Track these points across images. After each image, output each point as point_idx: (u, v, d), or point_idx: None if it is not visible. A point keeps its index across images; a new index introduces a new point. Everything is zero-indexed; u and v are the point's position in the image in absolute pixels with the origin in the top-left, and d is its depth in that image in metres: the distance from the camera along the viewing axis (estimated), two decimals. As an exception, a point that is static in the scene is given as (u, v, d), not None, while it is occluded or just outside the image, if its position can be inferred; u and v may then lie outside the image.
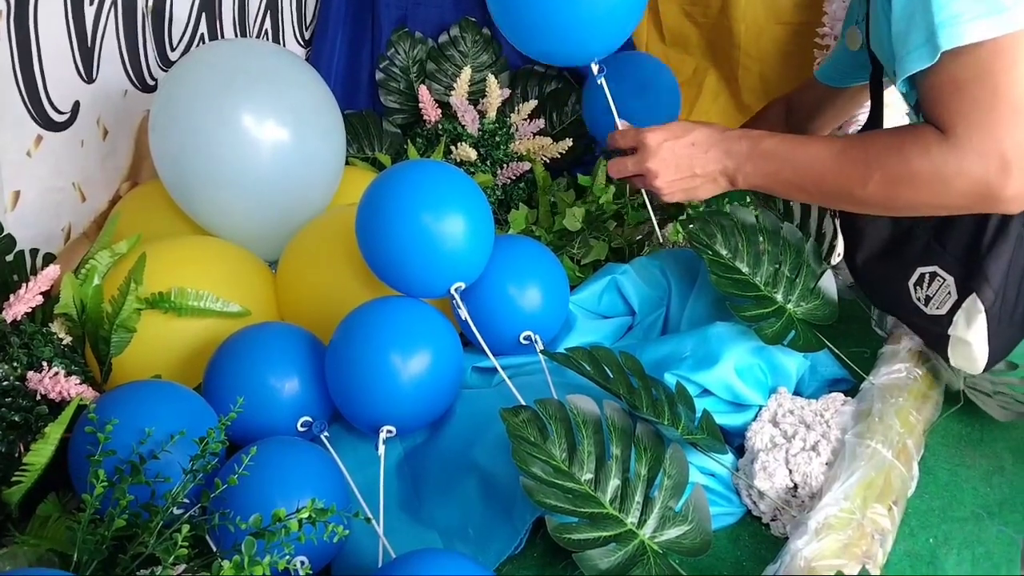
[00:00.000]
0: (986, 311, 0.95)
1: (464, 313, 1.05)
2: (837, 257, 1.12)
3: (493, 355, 1.05)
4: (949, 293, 0.98)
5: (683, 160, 1.03)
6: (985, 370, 1.00)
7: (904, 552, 0.90)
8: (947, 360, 1.02)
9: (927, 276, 1.00)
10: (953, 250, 0.98)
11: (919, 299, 1.02)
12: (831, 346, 1.10)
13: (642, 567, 0.81)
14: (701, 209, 1.29)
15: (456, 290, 1.04)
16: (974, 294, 0.96)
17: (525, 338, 1.11)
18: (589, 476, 0.86)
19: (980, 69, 0.80)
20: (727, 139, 1.01)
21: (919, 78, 0.86)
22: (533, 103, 1.64)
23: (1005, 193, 0.81)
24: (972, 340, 0.97)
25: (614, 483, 0.86)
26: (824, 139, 0.97)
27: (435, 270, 1.03)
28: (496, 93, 1.56)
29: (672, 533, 0.85)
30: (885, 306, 1.14)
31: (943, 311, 0.99)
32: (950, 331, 0.99)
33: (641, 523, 0.85)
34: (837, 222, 1.18)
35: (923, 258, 1.01)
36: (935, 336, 1.02)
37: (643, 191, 1.23)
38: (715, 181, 1.03)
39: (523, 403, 0.93)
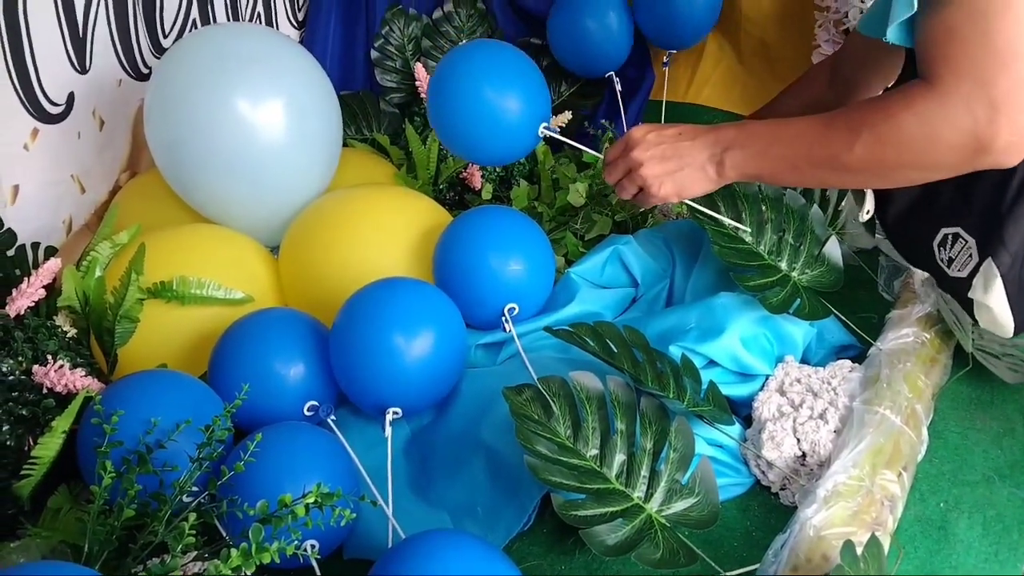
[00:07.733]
0: (1002, 276, 0.92)
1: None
2: (867, 215, 1.08)
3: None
4: (971, 256, 0.95)
5: (669, 149, 0.98)
6: (1016, 334, 0.96)
7: (914, 517, 0.90)
8: (976, 322, 0.99)
9: (950, 237, 0.97)
10: (976, 210, 0.93)
11: (942, 260, 0.98)
12: (837, 313, 1.09)
13: (650, 541, 0.81)
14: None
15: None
16: (990, 258, 0.92)
17: (509, 310, 1.12)
18: (594, 452, 0.86)
19: (971, 10, 0.76)
20: (714, 128, 0.98)
21: (916, 31, 0.82)
22: (531, 77, 1.62)
23: (996, 143, 0.77)
24: (992, 305, 0.94)
25: (620, 458, 0.86)
26: (813, 116, 0.92)
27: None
28: (493, 68, 1.54)
29: (679, 506, 0.85)
30: (917, 264, 1.09)
31: (964, 274, 0.96)
32: (970, 294, 0.96)
33: (648, 497, 0.85)
34: None
35: (948, 218, 0.97)
36: (961, 299, 0.99)
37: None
38: (703, 170, 0.97)
39: (535, 376, 0.93)
